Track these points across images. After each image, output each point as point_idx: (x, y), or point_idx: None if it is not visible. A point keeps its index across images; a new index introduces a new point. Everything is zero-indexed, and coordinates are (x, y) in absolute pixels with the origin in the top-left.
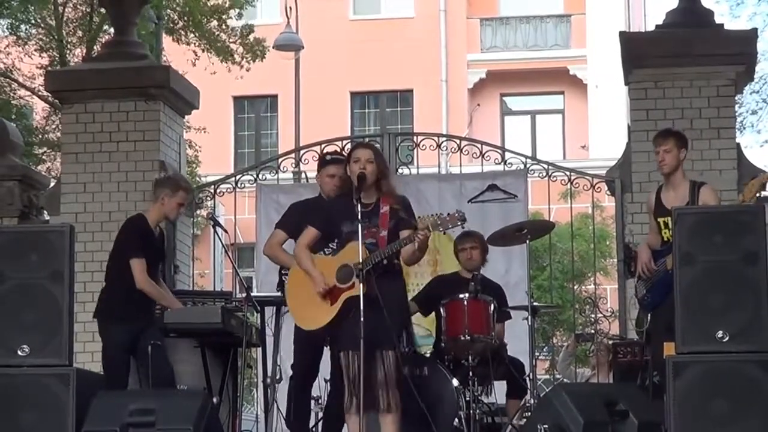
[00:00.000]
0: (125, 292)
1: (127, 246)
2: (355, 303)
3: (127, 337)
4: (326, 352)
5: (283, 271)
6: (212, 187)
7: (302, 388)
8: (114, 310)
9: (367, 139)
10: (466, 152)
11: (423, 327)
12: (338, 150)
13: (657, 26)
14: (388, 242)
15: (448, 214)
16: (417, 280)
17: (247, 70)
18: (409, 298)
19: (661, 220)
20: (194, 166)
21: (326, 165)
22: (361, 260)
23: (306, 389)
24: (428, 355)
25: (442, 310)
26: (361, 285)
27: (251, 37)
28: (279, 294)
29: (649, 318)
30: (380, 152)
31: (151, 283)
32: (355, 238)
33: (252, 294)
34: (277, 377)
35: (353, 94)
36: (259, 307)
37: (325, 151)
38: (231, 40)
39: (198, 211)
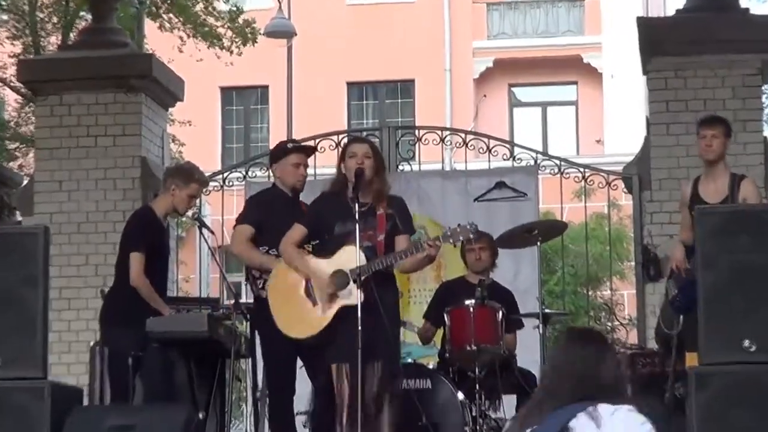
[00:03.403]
0: (133, 292)
1: (128, 238)
2: (350, 312)
3: (135, 344)
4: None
5: (253, 271)
6: None
7: (284, 405)
8: (120, 314)
9: (365, 133)
10: (472, 147)
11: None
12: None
13: (677, 11)
14: (385, 247)
15: (459, 225)
16: (419, 285)
17: (239, 54)
18: (411, 305)
19: None
20: (179, 161)
21: (289, 153)
22: (358, 265)
23: (289, 408)
24: (432, 367)
25: (446, 317)
26: (359, 292)
27: (240, 19)
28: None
29: (681, 321)
30: (378, 148)
31: (145, 281)
32: (351, 240)
33: (241, 301)
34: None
35: (350, 85)
36: (248, 315)
37: (321, 145)
38: (219, 24)
39: None
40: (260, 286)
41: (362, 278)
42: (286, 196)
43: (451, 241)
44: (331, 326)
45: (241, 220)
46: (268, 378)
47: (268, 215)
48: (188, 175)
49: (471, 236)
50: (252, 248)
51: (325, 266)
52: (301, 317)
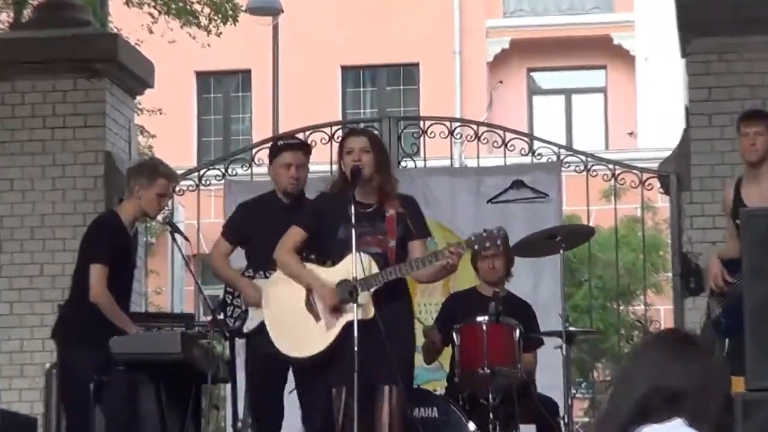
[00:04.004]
0: (93, 308)
1: (89, 248)
2: (358, 328)
3: (96, 367)
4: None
5: (228, 290)
6: None
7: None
8: (79, 332)
9: (362, 125)
10: (485, 141)
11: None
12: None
13: None
14: (397, 254)
15: (486, 230)
16: (424, 299)
17: (217, 35)
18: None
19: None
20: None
21: (280, 152)
22: (356, 274)
23: None
24: (439, 393)
25: (455, 336)
26: (356, 307)
27: None
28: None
29: (726, 345)
30: (379, 140)
31: (107, 297)
32: (358, 246)
33: (219, 317)
34: (250, 420)
35: (345, 69)
36: (228, 334)
37: (311, 139)
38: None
39: None
40: (229, 314)
41: (372, 290)
42: (281, 203)
43: (476, 248)
44: (336, 344)
45: (222, 231)
46: (252, 401)
47: (256, 227)
48: (152, 170)
49: (499, 243)
50: (224, 263)
51: (328, 276)
52: (303, 334)
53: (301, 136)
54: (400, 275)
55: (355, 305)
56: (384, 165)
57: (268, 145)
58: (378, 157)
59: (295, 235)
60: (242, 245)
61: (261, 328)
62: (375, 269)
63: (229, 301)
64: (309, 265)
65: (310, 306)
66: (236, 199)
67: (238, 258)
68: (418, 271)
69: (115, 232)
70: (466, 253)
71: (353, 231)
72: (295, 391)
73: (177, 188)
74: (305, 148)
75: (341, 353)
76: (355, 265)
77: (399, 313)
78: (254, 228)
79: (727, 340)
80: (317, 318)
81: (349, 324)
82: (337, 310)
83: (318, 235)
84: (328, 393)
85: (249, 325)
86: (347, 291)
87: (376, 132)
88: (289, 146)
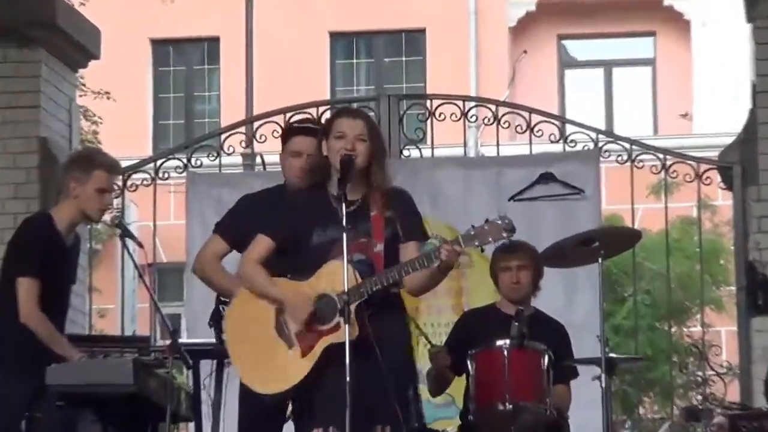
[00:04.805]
0: (24, 331)
1: (17, 258)
2: (340, 353)
3: (28, 401)
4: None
5: (223, 299)
6: (120, 177)
7: None
8: (7, 360)
9: (355, 105)
10: (507, 124)
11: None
12: (312, 118)
13: None
14: (385, 261)
15: (488, 221)
16: (431, 317)
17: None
18: (420, 345)
19: None
20: (93, 145)
21: (291, 137)
22: (346, 285)
23: None
24: None
25: (470, 363)
26: (347, 326)
27: None
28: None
29: None
30: (377, 126)
31: (41, 317)
32: (335, 253)
33: (180, 341)
34: None
35: (334, 36)
36: (191, 361)
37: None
38: None
39: None
40: (224, 329)
41: (356, 304)
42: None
43: (476, 243)
44: (313, 375)
45: (216, 228)
46: None
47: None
48: (87, 161)
49: (504, 235)
50: (217, 267)
51: (302, 291)
52: (273, 365)
53: (279, 119)
54: (387, 283)
55: (345, 323)
56: (381, 156)
57: (240, 130)
58: (374, 147)
59: (260, 244)
60: (239, 248)
61: None
62: (354, 280)
63: (223, 312)
64: (277, 279)
65: (280, 330)
66: (201, 196)
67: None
68: (407, 276)
69: (48, 238)
70: (483, 263)
71: (344, 234)
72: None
73: (129, 183)
74: (317, 133)
75: (321, 386)
76: (346, 275)
77: (395, 332)
78: (258, 227)
79: None
80: (290, 344)
81: (331, 348)
82: (313, 331)
83: (288, 242)
84: None
85: None
86: (329, 306)
87: (372, 114)
88: (302, 130)
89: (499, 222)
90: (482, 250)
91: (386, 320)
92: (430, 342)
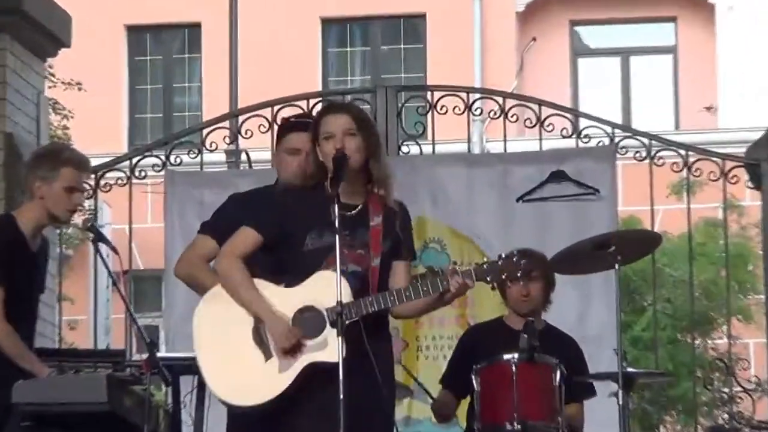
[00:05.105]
0: None
1: None
2: (322, 371)
3: None
4: None
5: None
6: (92, 176)
7: None
8: None
9: (349, 98)
10: (514, 118)
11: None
12: (305, 112)
13: None
14: (380, 275)
15: (501, 257)
16: (433, 330)
17: None
18: (420, 360)
19: None
20: (63, 141)
21: (286, 133)
22: (340, 297)
23: None
24: None
25: (476, 380)
26: (341, 343)
27: None
28: None
29: None
30: (366, 116)
31: (7, 329)
32: (330, 261)
33: (159, 355)
34: None
35: (326, 23)
36: (170, 377)
37: (281, 116)
38: None
39: None
40: None
41: (346, 323)
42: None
43: (488, 279)
44: (292, 392)
45: (204, 227)
46: None
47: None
48: (53, 157)
49: (518, 275)
50: (204, 269)
51: (288, 300)
52: (248, 374)
53: (266, 113)
54: (382, 308)
55: (339, 338)
56: (376, 149)
57: (223, 125)
58: (367, 140)
59: (245, 238)
60: None
61: None
62: (348, 295)
63: None
64: (259, 282)
65: (259, 339)
66: (181, 196)
67: None
68: (406, 300)
69: (11, 242)
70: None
71: (337, 237)
72: None
73: (102, 182)
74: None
75: (300, 407)
76: (339, 287)
77: (383, 352)
78: (246, 222)
79: None
80: (267, 354)
81: (313, 366)
82: (297, 346)
83: (279, 243)
84: None
85: None
86: (314, 321)
87: (367, 107)
88: (299, 126)
89: (514, 258)
90: (493, 288)
91: (377, 339)
92: (429, 394)
